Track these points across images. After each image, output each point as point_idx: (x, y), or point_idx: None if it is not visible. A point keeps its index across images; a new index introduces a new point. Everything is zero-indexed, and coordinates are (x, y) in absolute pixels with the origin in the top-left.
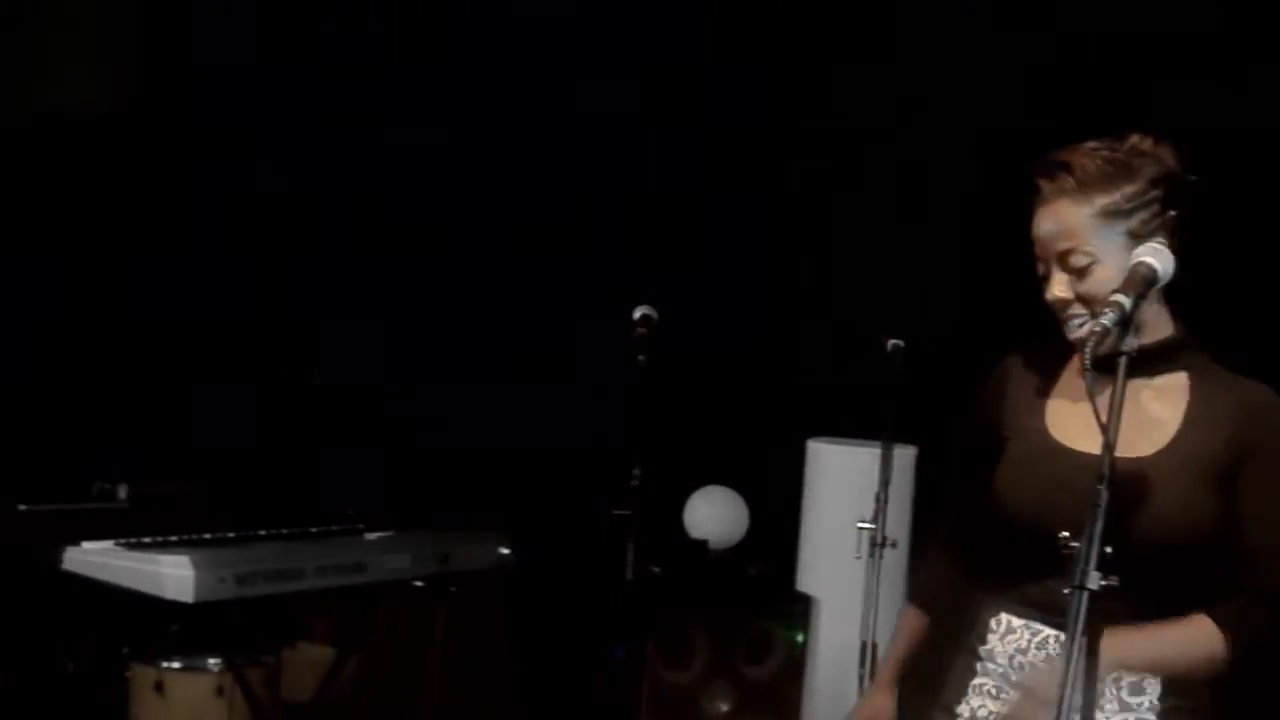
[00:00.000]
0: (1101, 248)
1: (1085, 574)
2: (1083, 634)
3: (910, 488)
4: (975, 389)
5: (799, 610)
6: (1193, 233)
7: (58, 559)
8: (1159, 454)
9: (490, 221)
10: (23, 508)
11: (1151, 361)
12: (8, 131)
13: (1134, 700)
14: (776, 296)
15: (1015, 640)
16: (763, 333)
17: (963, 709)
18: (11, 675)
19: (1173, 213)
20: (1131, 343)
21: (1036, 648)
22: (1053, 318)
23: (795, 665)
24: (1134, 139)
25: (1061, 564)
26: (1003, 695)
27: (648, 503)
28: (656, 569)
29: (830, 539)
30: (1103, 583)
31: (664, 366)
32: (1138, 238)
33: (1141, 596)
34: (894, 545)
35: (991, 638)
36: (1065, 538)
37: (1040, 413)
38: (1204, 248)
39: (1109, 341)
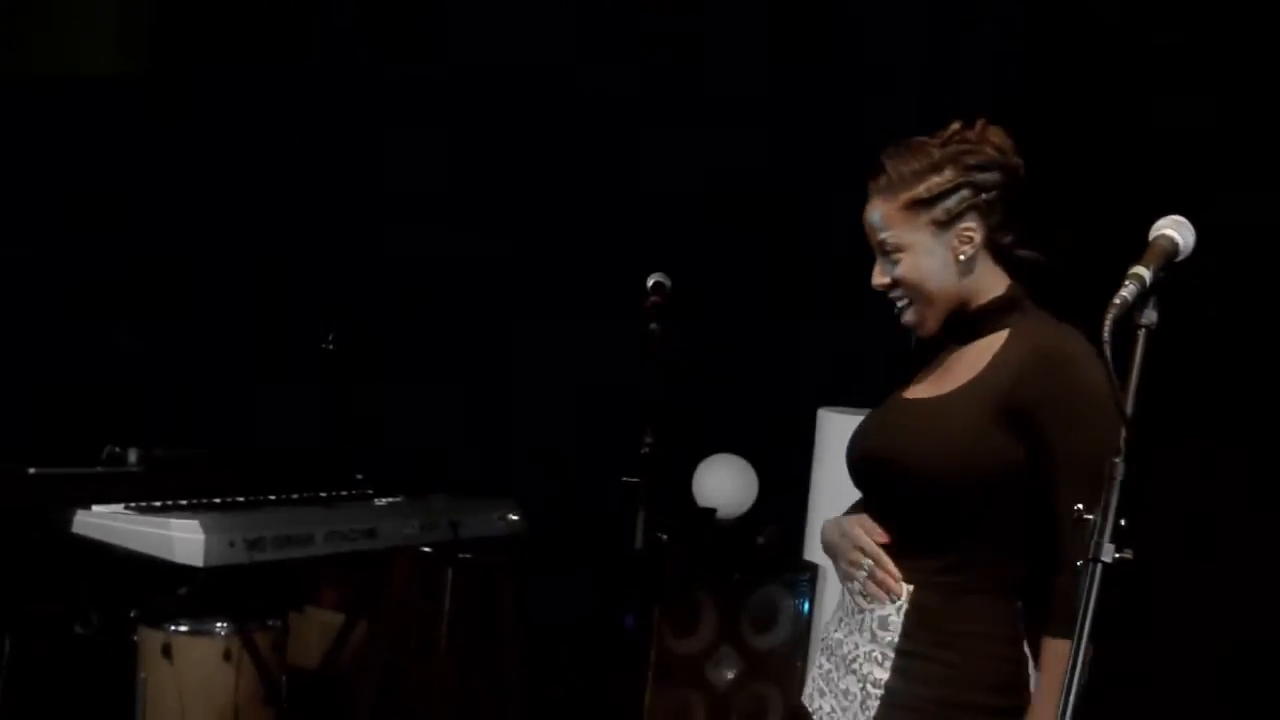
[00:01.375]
0: (909, 237)
1: (1099, 546)
2: (1094, 609)
3: None
4: None
5: (806, 579)
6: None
7: (68, 522)
8: (951, 393)
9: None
10: (32, 471)
11: (979, 323)
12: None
13: (881, 634)
14: (781, 267)
15: None
16: (772, 302)
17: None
18: (22, 638)
19: (988, 196)
20: (1151, 315)
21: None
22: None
23: (802, 634)
24: (955, 127)
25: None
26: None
27: (657, 470)
28: (664, 537)
29: (839, 507)
30: (1116, 555)
31: (675, 333)
32: (942, 224)
33: (915, 527)
34: None
35: None
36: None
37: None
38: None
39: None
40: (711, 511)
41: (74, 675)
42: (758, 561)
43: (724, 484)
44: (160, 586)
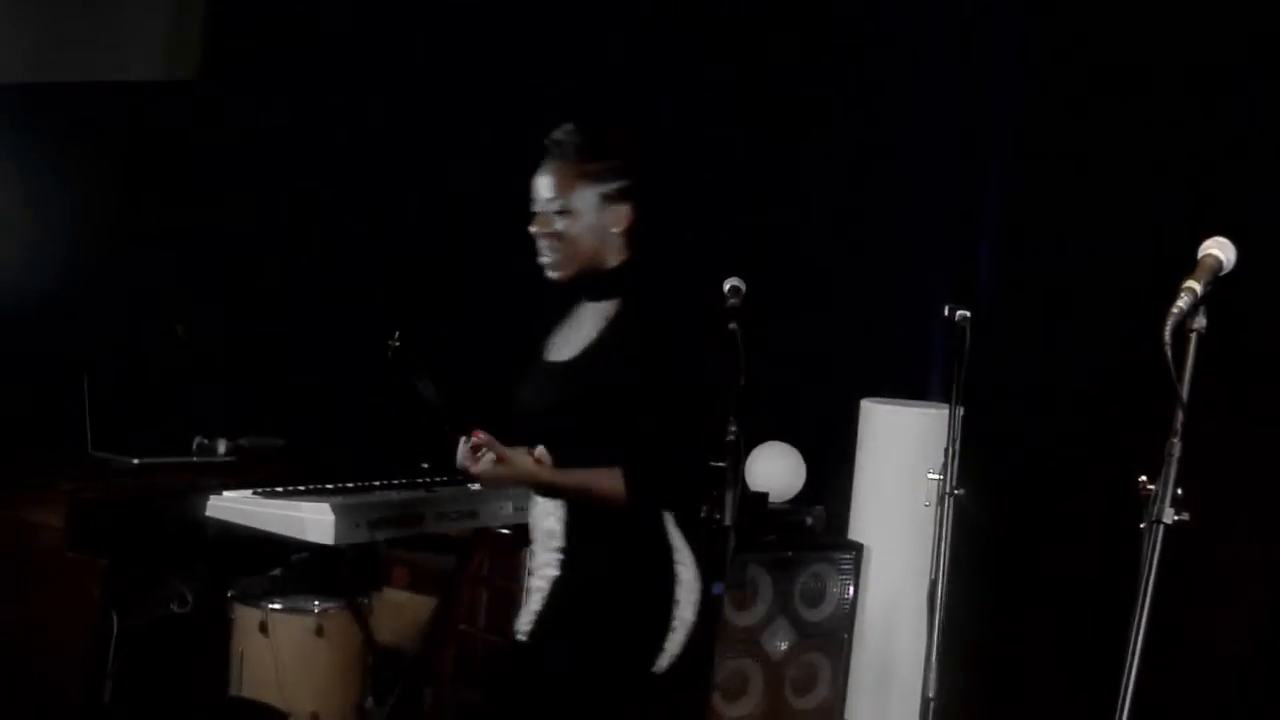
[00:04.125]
0: (578, 203)
1: (1161, 510)
2: (1155, 568)
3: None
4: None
5: (851, 557)
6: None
7: (201, 506)
8: (578, 356)
9: None
10: (136, 461)
11: (601, 287)
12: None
13: (551, 544)
14: (825, 270)
15: None
16: (817, 301)
17: None
18: (129, 616)
19: (628, 182)
20: (1201, 321)
21: None
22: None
23: (848, 608)
24: (606, 132)
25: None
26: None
27: (741, 455)
28: (720, 517)
29: (881, 491)
30: (1175, 518)
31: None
32: (609, 200)
33: (569, 453)
34: (961, 493)
35: None
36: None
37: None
38: None
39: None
40: (764, 495)
41: (175, 652)
42: (807, 541)
43: (775, 470)
44: (260, 566)
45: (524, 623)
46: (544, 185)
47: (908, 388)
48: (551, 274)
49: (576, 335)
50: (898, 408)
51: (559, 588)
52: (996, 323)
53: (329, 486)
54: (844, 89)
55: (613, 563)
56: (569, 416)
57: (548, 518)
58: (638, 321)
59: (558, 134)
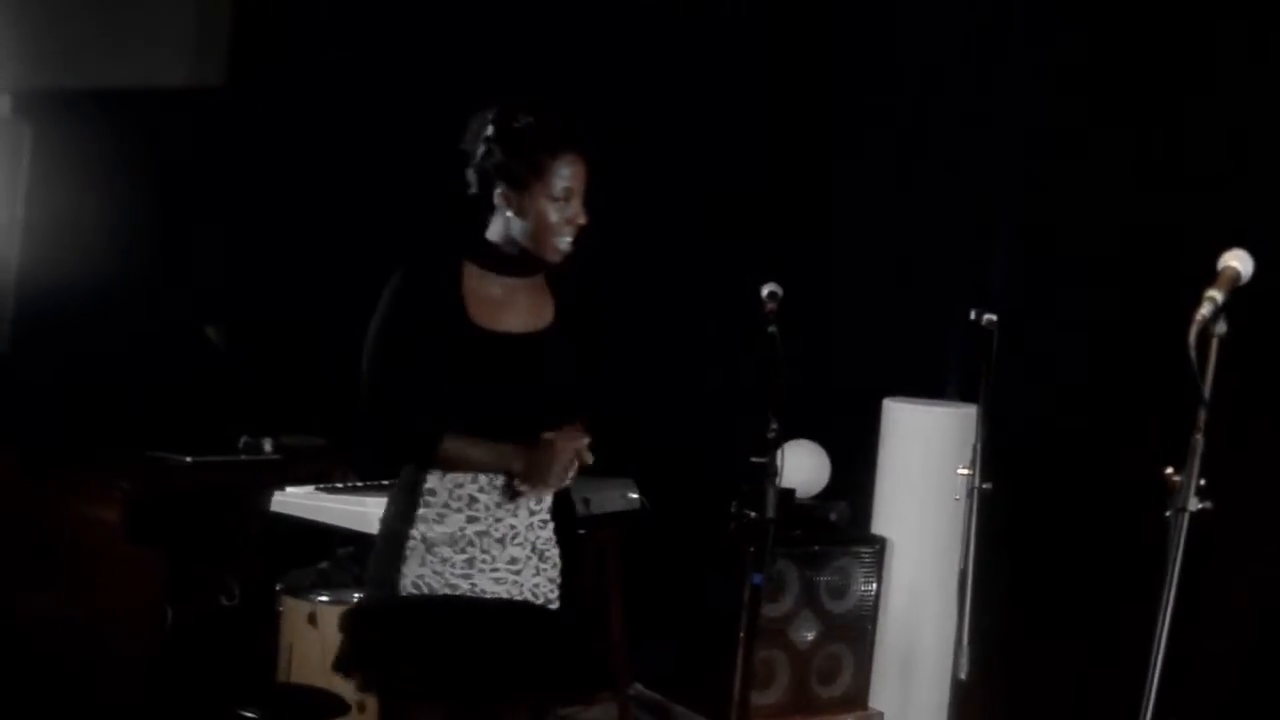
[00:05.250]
0: None
1: (1187, 499)
2: (1181, 553)
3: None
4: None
5: (875, 551)
6: None
7: (268, 500)
8: (548, 328)
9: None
10: (189, 460)
11: (530, 265)
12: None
13: (537, 509)
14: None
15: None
16: (842, 305)
17: None
18: (181, 608)
19: None
20: (1222, 327)
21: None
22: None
23: (871, 600)
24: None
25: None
26: None
27: (779, 452)
28: (753, 514)
29: (902, 487)
30: (1199, 506)
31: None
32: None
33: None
34: (990, 487)
35: None
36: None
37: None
38: None
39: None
40: (791, 491)
41: (224, 644)
42: (832, 535)
43: (801, 466)
44: (300, 561)
45: (540, 589)
46: (579, 176)
47: (927, 388)
48: (557, 259)
49: (515, 308)
50: (918, 407)
51: (567, 550)
52: (1013, 325)
53: (385, 483)
54: (868, 97)
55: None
56: (565, 388)
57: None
58: (575, 296)
59: (575, 126)
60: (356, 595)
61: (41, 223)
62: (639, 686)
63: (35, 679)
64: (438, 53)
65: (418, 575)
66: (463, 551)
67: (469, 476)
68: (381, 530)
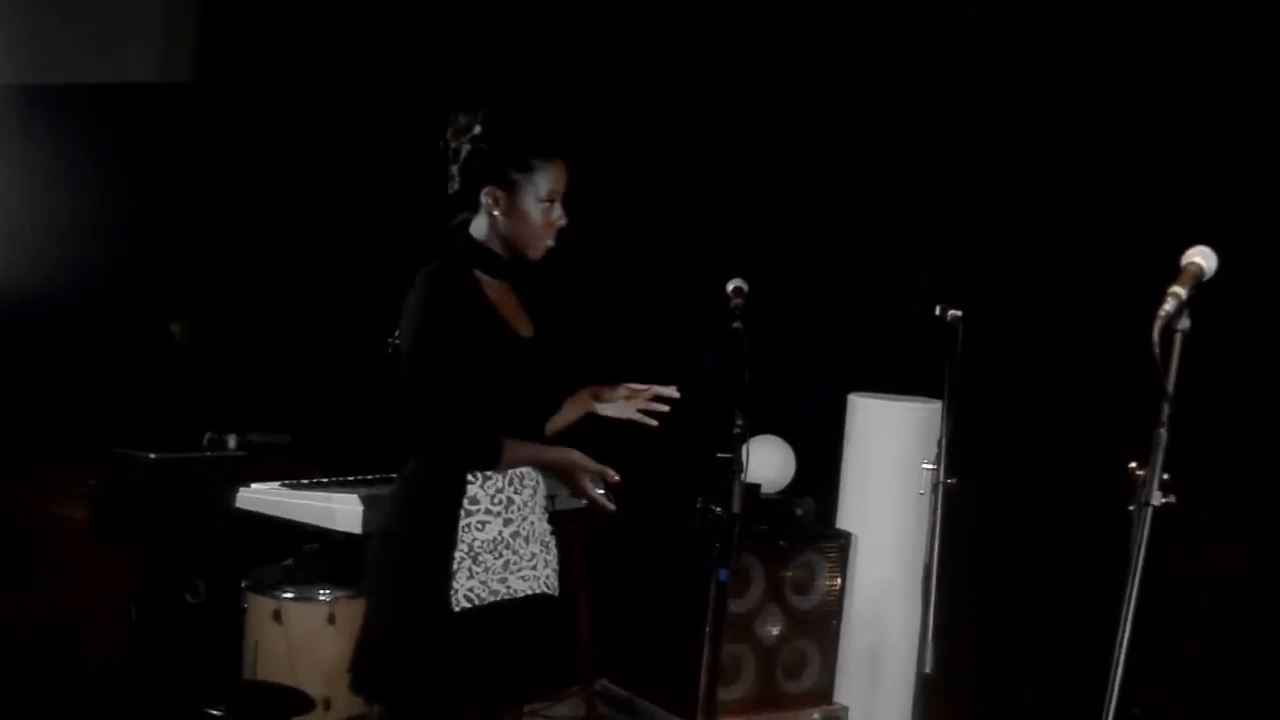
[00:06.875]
0: None
1: (1150, 493)
2: (1145, 547)
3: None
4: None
5: (840, 546)
6: None
7: (232, 498)
8: (538, 330)
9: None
10: (153, 456)
11: (519, 267)
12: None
13: (542, 503)
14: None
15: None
16: (807, 300)
17: None
18: (145, 606)
19: None
20: (1185, 323)
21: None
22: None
23: (835, 595)
24: None
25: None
26: None
27: (745, 447)
28: (719, 509)
29: (868, 482)
30: (1163, 500)
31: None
32: None
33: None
34: (955, 482)
35: None
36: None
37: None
38: None
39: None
40: (756, 487)
41: (189, 641)
42: (797, 531)
43: (767, 462)
44: (266, 559)
45: (549, 580)
46: (562, 179)
47: (892, 383)
48: (537, 259)
49: (513, 310)
50: (883, 402)
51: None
52: (977, 322)
53: (351, 478)
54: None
55: None
56: (557, 389)
57: (544, 482)
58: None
59: (558, 129)
60: (322, 593)
61: (4, 220)
62: (605, 682)
63: (1, 677)
64: (404, 50)
65: (468, 589)
66: (499, 556)
67: (505, 479)
68: (408, 538)
